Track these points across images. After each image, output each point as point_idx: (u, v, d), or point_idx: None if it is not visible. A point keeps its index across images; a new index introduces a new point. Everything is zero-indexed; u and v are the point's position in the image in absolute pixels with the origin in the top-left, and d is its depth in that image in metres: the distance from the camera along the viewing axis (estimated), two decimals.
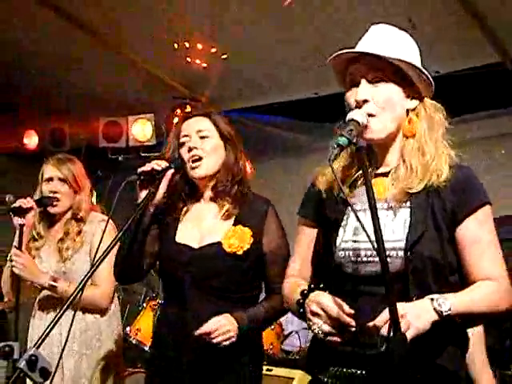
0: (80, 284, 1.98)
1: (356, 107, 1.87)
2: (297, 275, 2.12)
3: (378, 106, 1.88)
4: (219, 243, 2.47)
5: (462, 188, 1.87)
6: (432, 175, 1.86)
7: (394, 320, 1.54)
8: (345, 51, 1.92)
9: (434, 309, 1.71)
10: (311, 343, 2.08)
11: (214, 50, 5.36)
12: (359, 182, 1.96)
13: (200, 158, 2.52)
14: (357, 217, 1.69)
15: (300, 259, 2.14)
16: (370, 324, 1.66)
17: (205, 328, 2.33)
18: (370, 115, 1.86)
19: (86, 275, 2.02)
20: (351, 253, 1.89)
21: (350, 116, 1.81)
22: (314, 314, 1.80)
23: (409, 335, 1.61)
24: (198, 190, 2.63)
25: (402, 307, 1.63)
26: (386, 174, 1.96)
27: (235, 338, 2.37)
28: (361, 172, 1.91)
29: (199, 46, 5.33)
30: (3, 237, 3.77)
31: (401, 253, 1.81)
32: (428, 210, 1.86)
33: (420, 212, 1.86)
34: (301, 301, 1.89)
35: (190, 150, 2.53)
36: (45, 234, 3.37)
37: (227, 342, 2.36)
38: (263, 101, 6.67)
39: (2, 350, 2.22)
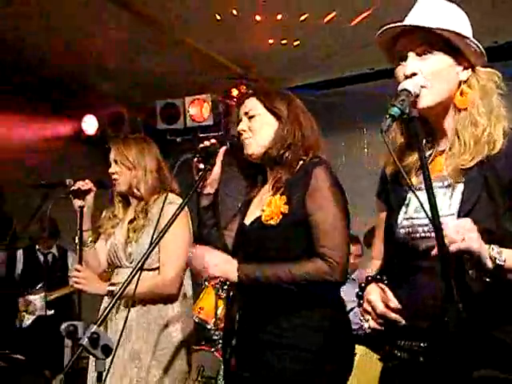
0: (132, 272, 1.98)
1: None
2: (378, 257, 2.17)
3: (427, 78, 1.85)
4: (260, 217, 2.47)
5: None
6: (484, 148, 1.82)
7: (450, 291, 1.52)
8: (390, 26, 1.89)
9: (490, 255, 1.64)
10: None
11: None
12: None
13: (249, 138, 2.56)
14: (415, 195, 1.67)
15: (379, 240, 2.15)
16: None
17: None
18: (421, 86, 1.83)
19: (138, 263, 2.02)
20: (410, 229, 1.91)
21: (401, 86, 1.79)
22: (366, 311, 1.90)
23: (458, 247, 1.57)
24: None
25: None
26: (444, 152, 1.94)
27: (222, 275, 2.38)
28: (426, 154, 1.92)
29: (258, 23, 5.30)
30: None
31: None
32: (481, 182, 1.82)
33: (473, 185, 1.82)
34: (359, 293, 1.98)
35: (240, 134, 2.57)
36: (122, 214, 3.37)
37: (208, 273, 2.36)
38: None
39: (67, 330, 2.25)
